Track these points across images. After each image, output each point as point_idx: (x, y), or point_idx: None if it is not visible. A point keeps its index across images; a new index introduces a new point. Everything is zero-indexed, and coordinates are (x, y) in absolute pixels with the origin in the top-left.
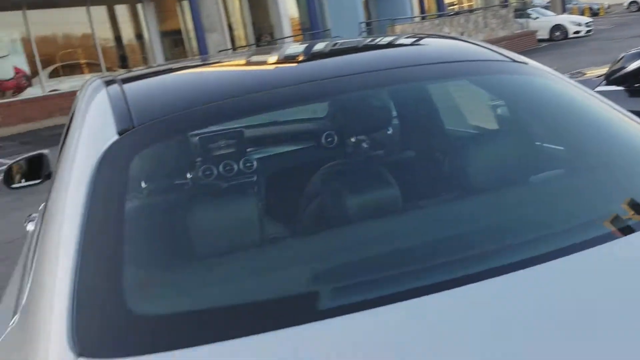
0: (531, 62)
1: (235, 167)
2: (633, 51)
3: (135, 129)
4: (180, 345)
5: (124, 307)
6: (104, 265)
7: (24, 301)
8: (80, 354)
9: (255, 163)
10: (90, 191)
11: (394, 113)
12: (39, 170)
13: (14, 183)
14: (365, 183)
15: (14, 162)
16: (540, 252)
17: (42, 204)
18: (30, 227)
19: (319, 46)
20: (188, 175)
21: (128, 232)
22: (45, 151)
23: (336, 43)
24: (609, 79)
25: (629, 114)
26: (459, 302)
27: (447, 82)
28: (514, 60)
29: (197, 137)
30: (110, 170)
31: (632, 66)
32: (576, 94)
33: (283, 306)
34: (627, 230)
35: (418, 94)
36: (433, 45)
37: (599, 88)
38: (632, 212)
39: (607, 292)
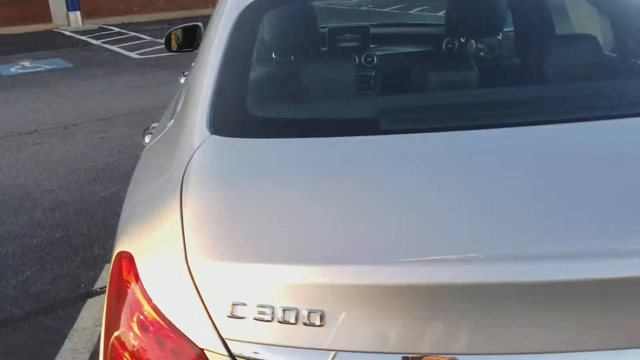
0: None
1: (345, 37)
2: None
3: None
4: (276, 136)
5: (243, 108)
6: (235, 83)
7: (178, 109)
8: (213, 132)
9: (360, 36)
10: (230, 35)
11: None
12: (192, 39)
13: (171, 47)
14: (443, 65)
15: (172, 30)
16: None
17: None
18: (147, 139)
19: None
20: (301, 37)
21: (252, 65)
22: (199, 23)
23: None
24: None
25: None
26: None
27: None
28: None
29: (327, 12)
30: (246, 22)
31: None
32: None
33: (357, 124)
34: None
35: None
36: None
37: None
38: None
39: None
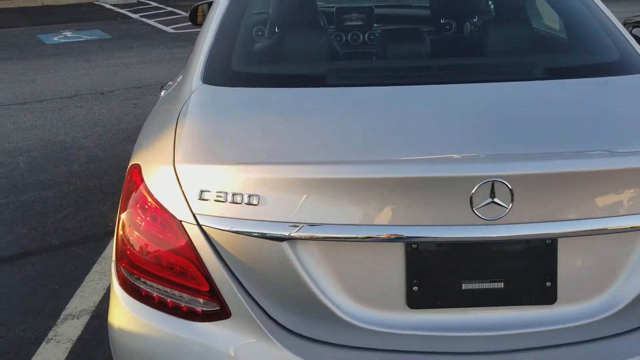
0: None
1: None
2: None
3: None
4: (254, 84)
5: (230, 65)
6: (225, 46)
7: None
8: (204, 82)
9: (339, 14)
10: (227, 9)
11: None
12: None
13: (197, 21)
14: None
15: (199, 4)
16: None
17: None
18: (162, 93)
19: None
20: (289, 7)
21: (241, 29)
22: None
23: None
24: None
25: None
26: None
27: None
28: None
29: None
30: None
31: None
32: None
33: (310, 80)
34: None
35: None
36: None
37: None
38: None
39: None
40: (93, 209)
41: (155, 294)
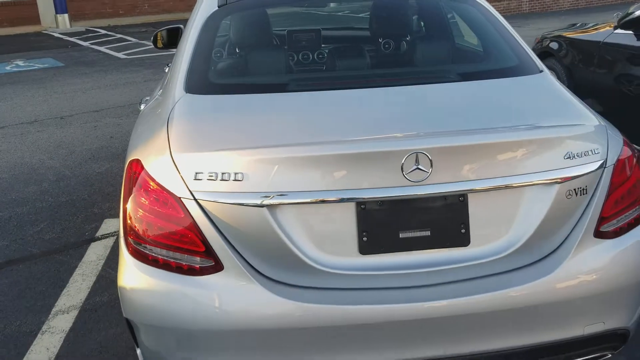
0: None
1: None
2: None
3: (227, 4)
4: (228, 92)
5: (207, 78)
6: (202, 62)
7: (165, 83)
8: (186, 92)
9: (294, 35)
10: (200, 32)
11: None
12: (175, 39)
13: (157, 45)
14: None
15: (158, 31)
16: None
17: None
18: (142, 107)
19: None
20: (252, 32)
21: (214, 49)
22: (180, 25)
23: None
24: (620, 22)
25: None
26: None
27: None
28: None
29: (263, 16)
30: (211, 24)
31: (637, 13)
32: (483, 15)
33: (273, 88)
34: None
35: (394, 9)
36: None
37: (619, 31)
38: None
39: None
40: (68, 222)
41: (160, 258)
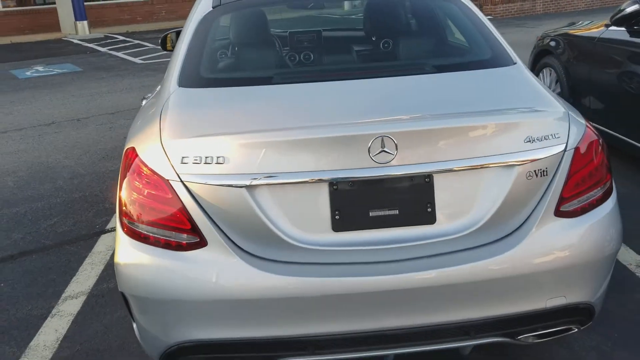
0: None
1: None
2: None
3: (221, 5)
4: (217, 85)
5: (199, 73)
6: (194, 59)
7: (165, 76)
8: (179, 85)
9: (282, 35)
10: (194, 31)
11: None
12: None
13: (167, 48)
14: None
15: (168, 33)
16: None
17: None
18: (144, 102)
19: None
20: (242, 31)
21: (207, 47)
22: None
23: None
24: (612, 20)
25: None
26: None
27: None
28: None
29: (253, 17)
30: (205, 24)
31: (628, 9)
32: (465, 13)
33: (258, 81)
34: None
35: (384, 8)
36: None
37: (612, 28)
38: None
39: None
40: (80, 216)
41: (151, 235)
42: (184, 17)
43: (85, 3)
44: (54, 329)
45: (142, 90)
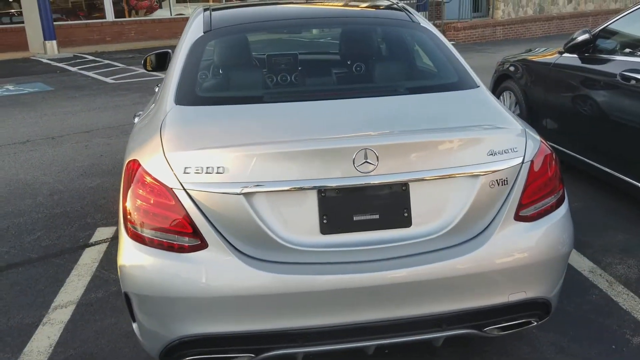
0: (424, 22)
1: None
2: (584, 29)
3: (212, 30)
4: (212, 104)
5: (194, 92)
6: (189, 80)
7: (158, 98)
8: (176, 104)
9: (270, 57)
10: (188, 54)
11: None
12: (163, 62)
13: (147, 68)
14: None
15: (148, 55)
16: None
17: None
18: (136, 120)
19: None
20: (232, 54)
21: (200, 68)
22: (169, 50)
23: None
24: (565, 47)
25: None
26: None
27: (368, 27)
28: (412, 21)
29: (242, 40)
30: (197, 47)
31: (579, 38)
32: (430, 40)
33: (248, 100)
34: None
35: (358, 35)
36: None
37: (565, 54)
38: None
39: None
40: (63, 230)
41: (155, 239)
42: (154, 37)
43: (54, 22)
44: (46, 335)
45: (116, 109)
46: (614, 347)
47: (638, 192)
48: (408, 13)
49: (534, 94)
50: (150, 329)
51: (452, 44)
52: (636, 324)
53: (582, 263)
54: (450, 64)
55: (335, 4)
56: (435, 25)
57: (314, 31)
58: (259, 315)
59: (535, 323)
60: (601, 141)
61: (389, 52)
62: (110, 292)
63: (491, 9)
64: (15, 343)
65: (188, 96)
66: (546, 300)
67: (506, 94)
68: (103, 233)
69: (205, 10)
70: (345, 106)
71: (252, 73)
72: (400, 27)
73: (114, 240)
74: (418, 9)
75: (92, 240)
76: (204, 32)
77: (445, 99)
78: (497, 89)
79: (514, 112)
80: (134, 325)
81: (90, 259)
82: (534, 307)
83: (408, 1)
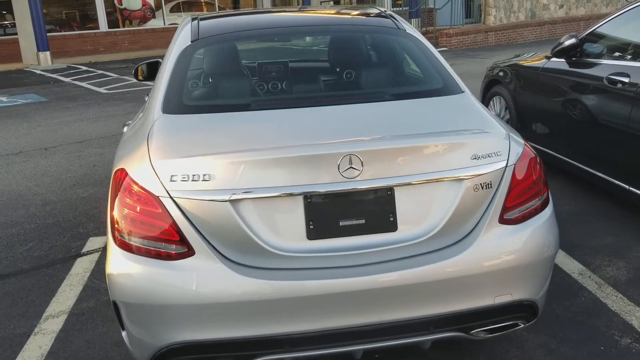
0: (410, 29)
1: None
2: (570, 34)
3: (199, 39)
4: (199, 112)
5: (181, 100)
6: (176, 89)
7: (146, 107)
8: (163, 112)
9: (256, 65)
10: (175, 63)
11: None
12: (154, 71)
13: (138, 78)
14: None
15: (139, 65)
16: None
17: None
18: (125, 129)
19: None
20: (219, 62)
21: (187, 77)
22: (159, 59)
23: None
24: (552, 52)
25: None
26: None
27: (353, 34)
28: (398, 28)
29: (229, 49)
30: (185, 56)
31: (566, 43)
32: (417, 47)
33: (234, 108)
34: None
35: (345, 43)
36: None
37: (553, 59)
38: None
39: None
40: (55, 241)
41: (142, 247)
42: (148, 47)
43: (48, 33)
44: (38, 345)
45: (109, 119)
46: (602, 348)
47: (626, 194)
48: (394, 20)
49: (523, 98)
50: (139, 337)
51: (445, 51)
52: (625, 325)
53: (571, 265)
54: (435, 69)
55: (324, 12)
56: (427, 32)
57: (304, 39)
58: (247, 322)
59: (523, 325)
60: (589, 144)
61: (375, 59)
62: (101, 302)
63: (483, 15)
64: (7, 354)
65: (175, 105)
66: (532, 303)
67: (496, 99)
68: (95, 243)
69: (193, 19)
70: (332, 113)
71: (239, 81)
72: (386, 34)
73: (106, 250)
74: (410, 16)
75: (84, 250)
76: (191, 41)
77: (430, 105)
78: (487, 94)
79: (503, 117)
80: (124, 334)
81: (82, 268)
82: (520, 310)
83: (400, 8)
